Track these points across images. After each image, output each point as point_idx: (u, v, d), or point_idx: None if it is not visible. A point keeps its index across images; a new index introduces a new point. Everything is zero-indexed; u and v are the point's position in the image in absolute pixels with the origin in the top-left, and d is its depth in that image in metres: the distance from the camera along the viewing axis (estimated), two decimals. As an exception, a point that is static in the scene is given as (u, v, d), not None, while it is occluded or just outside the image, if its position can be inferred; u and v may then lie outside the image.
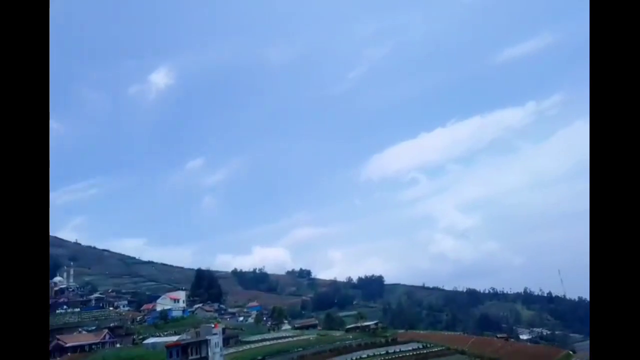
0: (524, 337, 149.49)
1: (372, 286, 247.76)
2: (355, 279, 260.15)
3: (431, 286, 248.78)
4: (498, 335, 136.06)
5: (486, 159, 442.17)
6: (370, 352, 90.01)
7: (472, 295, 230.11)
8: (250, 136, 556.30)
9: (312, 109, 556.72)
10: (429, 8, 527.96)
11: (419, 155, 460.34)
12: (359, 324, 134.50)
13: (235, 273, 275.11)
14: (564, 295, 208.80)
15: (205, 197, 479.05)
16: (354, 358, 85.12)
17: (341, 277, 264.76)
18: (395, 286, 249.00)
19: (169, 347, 75.45)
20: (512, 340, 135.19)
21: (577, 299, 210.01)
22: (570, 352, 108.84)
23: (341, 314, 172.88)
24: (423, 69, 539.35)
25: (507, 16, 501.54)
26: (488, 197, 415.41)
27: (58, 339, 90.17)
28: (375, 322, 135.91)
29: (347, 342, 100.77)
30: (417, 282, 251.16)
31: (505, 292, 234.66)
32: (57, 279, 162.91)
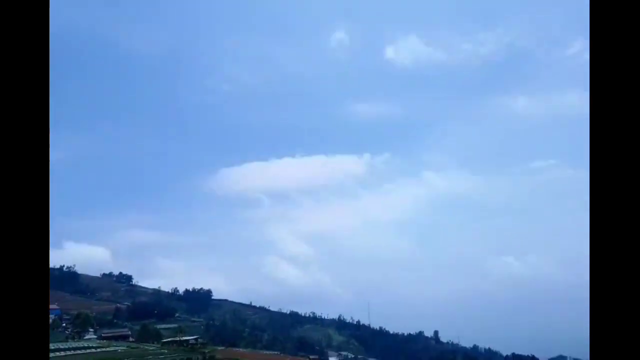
0: (332, 359, 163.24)
1: (198, 300, 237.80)
2: (181, 290, 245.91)
3: (258, 305, 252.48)
4: (310, 357, 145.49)
5: (327, 196, 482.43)
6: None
7: (294, 318, 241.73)
8: (94, 116, 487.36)
9: (167, 108, 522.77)
10: (302, 47, 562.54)
11: (267, 179, 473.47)
12: (177, 338, 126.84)
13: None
14: (369, 324, 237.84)
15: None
16: (165, 374, 79.26)
17: (166, 287, 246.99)
18: (222, 302, 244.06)
19: None
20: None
21: (378, 328, 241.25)
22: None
23: (159, 326, 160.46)
24: (282, 99, 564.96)
25: (361, 75, 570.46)
26: (324, 231, 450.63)
27: None
28: (195, 337, 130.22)
29: (161, 356, 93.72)
30: (244, 300, 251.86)
31: (323, 317, 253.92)
32: None
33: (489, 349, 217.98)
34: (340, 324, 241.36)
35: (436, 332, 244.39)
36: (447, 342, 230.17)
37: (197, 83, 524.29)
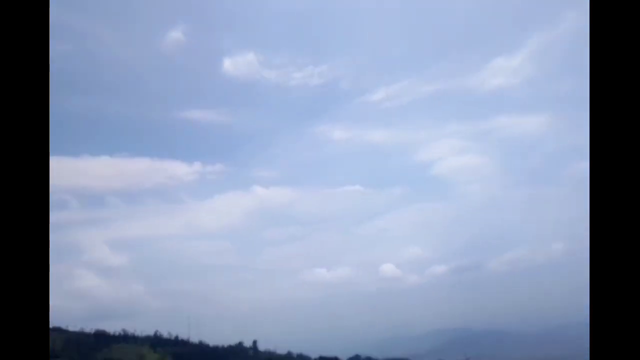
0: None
1: None
2: None
3: (51, 327, 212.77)
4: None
5: (148, 201, 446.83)
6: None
7: (100, 337, 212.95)
8: None
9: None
10: (136, 38, 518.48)
11: (76, 177, 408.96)
12: None
13: None
14: (189, 339, 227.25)
15: None
16: None
17: None
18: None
19: None
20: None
21: (197, 342, 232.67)
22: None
23: None
24: (105, 87, 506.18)
25: (196, 80, 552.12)
26: (143, 238, 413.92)
27: None
28: None
29: None
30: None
31: (135, 334, 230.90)
32: None
33: (301, 353, 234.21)
34: (155, 341, 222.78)
35: (255, 342, 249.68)
36: (264, 351, 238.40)
37: None
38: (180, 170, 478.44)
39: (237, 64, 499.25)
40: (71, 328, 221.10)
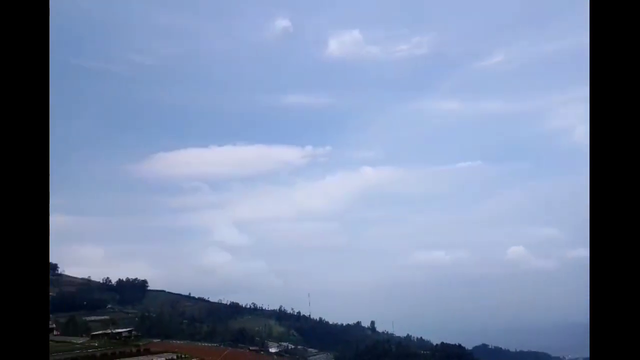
0: (272, 350, 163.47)
1: (132, 290, 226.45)
2: (113, 280, 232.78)
3: (197, 296, 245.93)
4: (250, 348, 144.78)
5: (265, 185, 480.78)
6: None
7: (235, 309, 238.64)
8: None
9: (101, 88, 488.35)
10: (243, 31, 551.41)
11: (206, 166, 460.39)
12: (108, 331, 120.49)
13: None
14: (309, 315, 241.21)
15: None
16: (95, 369, 75.08)
17: (97, 277, 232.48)
18: (159, 293, 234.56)
19: None
20: (262, 352, 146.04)
21: (318, 319, 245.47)
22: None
23: (88, 318, 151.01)
24: (221, 83, 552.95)
25: (303, 66, 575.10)
26: (261, 219, 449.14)
27: None
28: (128, 329, 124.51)
29: (89, 350, 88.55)
30: (184, 291, 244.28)
31: (263, 308, 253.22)
32: None
33: (421, 338, 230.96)
34: (280, 315, 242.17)
35: (373, 322, 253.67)
36: (383, 332, 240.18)
37: (124, 57, 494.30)
38: (292, 154, 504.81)
39: (342, 44, 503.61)
40: (212, 299, 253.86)
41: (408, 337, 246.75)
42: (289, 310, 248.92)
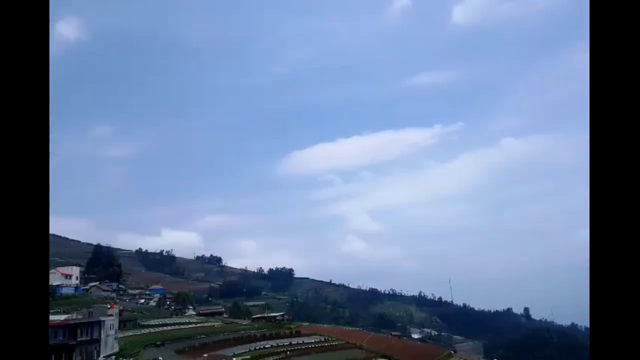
0: (415, 336, 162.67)
1: (281, 278, 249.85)
2: (266, 270, 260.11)
3: (337, 283, 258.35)
4: (392, 333, 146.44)
5: (395, 171, 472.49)
6: (273, 342, 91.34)
7: (374, 295, 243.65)
8: (168, 112, 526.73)
9: (234, 96, 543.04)
10: (355, 18, 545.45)
11: (336, 159, 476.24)
12: (265, 315, 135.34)
13: (139, 253, 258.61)
14: (452, 301, 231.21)
15: (111, 167, 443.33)
16: (257, 348, 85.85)
17: (252, 267, 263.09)
18: (304, 280, 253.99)
19: (54, 326, 68.51)
20: (404, 338, 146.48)
21: (461, 305, 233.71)
22: (452, 352, 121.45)
23: (248, 303, 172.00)
24: (344, 76, 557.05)
25: (426, 42, 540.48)
26: (394, 205, 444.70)
27: None
28: (281, 313, 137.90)
29: (251, 331, 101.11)
30: (325, 278, 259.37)
31: (402, 294, 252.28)
32: None
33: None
34: (420, 301, 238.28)
35: (527, 309, 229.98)
36: (540, 320, 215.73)
37: (255, 70, 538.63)
38: (420, 136, 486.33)
39: (467, 9, 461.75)
40: (351, 285, 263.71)
41: (573, 325, 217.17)
42: (429, 296, 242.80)
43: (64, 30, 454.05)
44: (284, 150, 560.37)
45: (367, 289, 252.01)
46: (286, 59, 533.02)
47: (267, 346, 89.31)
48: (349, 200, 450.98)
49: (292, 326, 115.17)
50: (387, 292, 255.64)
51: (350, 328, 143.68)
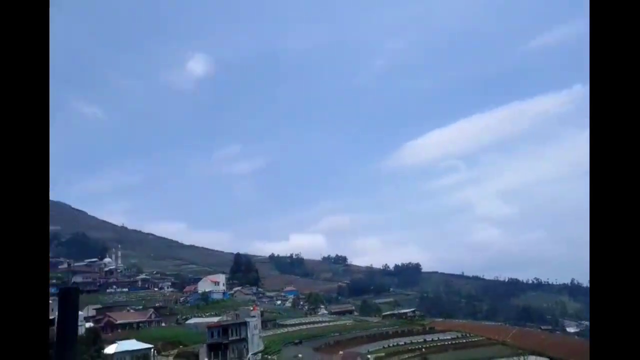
0: (571, 329, 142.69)
1: (408, 274, 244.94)
2: (391, 266, 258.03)
3: (470, 275, 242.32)
4: (542, 327, 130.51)
5: (525, 146, 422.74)
6: (407, 339, 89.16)
7: (514, 285, 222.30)
8: (281, 124, 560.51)
9: (341, 98, 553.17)
10: None
11: (454, 143, 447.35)
12: (395, 311, 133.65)
13: (272, 258, 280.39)
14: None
15: (241, 183, 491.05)
16: (390, 345, 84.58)
17: (377, 264, 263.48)
18: (432, 274, 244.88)
19: (210, 327, 78.02)
20: (557, 332, 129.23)
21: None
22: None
23: (377, 300, 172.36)
24: (453, 57, 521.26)
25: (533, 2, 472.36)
26: (528, 184, 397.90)
27: (109, 316, 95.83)
28: (412, 309, 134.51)
29: (383, 328, 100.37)
30: (455, 271, 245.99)
31: (550, 282, 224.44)
32: (107, 260, 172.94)
33: None
34: (573, 289, 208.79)
35: None
36: None
37: (357, 68, 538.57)
38: (551, 103, 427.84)
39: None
40: (486, 276, 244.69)
41: None
42: (584, 284, 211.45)
43: (194, 67, 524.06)
44: (395, 142, 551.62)
45: (506, 280, 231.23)
46: (388, 50, 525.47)
47: (400, 343, 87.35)
48: (475, 185, 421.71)
49: (425, 322, 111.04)
50: (530, 281, 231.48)
51: (489, 323, 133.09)
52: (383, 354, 77.70)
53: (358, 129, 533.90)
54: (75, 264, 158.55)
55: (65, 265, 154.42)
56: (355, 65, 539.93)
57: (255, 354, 73.02)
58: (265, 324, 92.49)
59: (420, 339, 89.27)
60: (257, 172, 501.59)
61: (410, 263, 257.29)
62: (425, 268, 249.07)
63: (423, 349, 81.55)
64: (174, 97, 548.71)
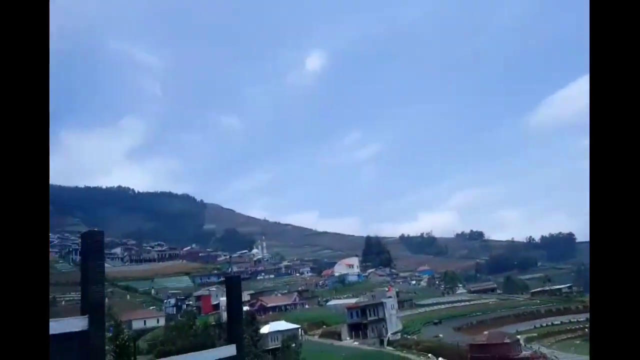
0: None
1: (559, 246, 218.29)
2: (537, 238, 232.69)
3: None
4: None
5: None
6: (564, 318, 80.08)
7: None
8: (398, 103, 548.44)
9: (459, 64, 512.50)
10: None
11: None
12: (546, 288, 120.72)
13: (402, 239, 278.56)
14: None
15: (365, 168, 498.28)
16: (543, 325, 76.84)
17: (519, 238, 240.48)
18: (589, 244, 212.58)
19: (350, 308, 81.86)
20: None
21: None
22: None
23: (523, 276, 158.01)
24: None
25: None
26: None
27: (261, 300, 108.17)
28: (567, 285, 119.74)
29: (533, 307, 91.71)
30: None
31: None
32: (255, 251, 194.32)
33: None
34: None
35: None
36: None
37: (467, 28, 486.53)
38: None
39: None
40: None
41: None
42: None
43: (312, 64, 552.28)
44: (530, 100, 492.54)
45: None
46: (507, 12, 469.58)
47: (555, 322, 78.75)
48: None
49: (585, 299, 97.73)
50: None
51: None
52: (535, 334, 71.03)
53: (481, 92, 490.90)
54: (232, 256, 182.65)
55: (223, 258, 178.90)
56: (466, 29, 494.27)
57: (394, 333, 74.19)
58: (401, 304, 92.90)
59: (581, 317, 78.88)
60: (380, 155, 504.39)
61: (560, 233, 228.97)
62: (580, 238, 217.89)
63: (586, 329, 71.86)
64: (297, 95, 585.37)
